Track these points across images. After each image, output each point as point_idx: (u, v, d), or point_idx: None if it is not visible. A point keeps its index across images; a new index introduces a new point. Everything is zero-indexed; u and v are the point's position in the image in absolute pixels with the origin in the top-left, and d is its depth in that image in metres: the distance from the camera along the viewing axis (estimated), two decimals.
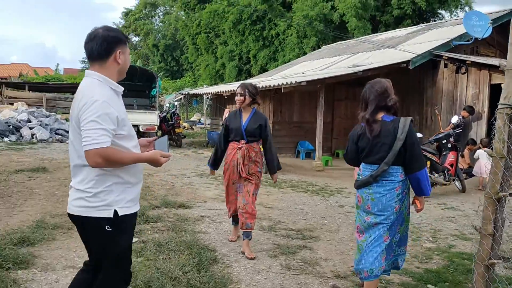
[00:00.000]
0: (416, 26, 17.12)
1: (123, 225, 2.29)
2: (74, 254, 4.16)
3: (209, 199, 7.04)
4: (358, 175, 3.35)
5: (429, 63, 11.30)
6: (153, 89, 15.50)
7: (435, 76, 11.31)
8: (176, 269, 3.71)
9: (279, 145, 12.49)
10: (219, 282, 3.53)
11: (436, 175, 8.06)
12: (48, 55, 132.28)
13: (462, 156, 9.39)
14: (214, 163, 4.81)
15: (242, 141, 4.48)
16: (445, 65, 11.08)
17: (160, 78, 43.82)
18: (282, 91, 10.59)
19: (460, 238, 5.42)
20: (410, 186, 3.29)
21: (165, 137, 2.52)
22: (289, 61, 25.16)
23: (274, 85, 10.70)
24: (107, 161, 2.15)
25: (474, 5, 27.41)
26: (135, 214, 2.40)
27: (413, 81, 11.87)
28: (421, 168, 3.15)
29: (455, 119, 9.27)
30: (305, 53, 25.67)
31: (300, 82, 9.87)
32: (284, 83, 10.34)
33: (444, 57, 10.81)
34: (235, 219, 4.73)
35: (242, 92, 4.49)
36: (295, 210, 6.51)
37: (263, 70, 29.63)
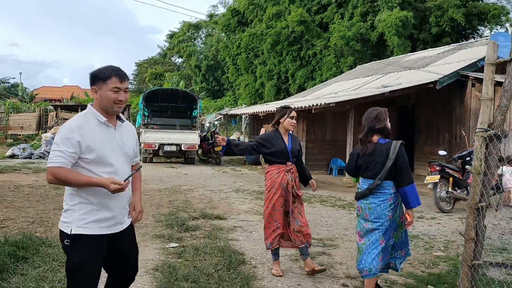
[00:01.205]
0: (448, 46, 17.40)
1: (77, 243, 2.46)
2: None
3: (243, 212, 7.75)
4: (358, 188, 3.98)
5: (457, 83, 11.66)
6: (194, 110, 16.54)
7: (463, 95, 11.65)
8: (209, 267, 4.44)
9: (312, 162, 13.15)
10: (245, 278, 4.22)
11: (459, 191, 8.43)
12: None
13: None
14: (231, 144, 4.65)
15: (289, 163, 4.50)
16: (473, 85, 11.42)
17: (201, 98, 45.48)
18: (313, 112, 11.24)
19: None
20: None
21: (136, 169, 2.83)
22: (326, 80, 25.76)
23: (305, 106, 11.39)
24: (56, 179, 2.44)
25: None
26: (95, 237, 2.50)
27: (443, 100, 12.24)
28: (408, 183, 3.74)
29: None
30: (342, 72, 26.18)
31: (329, 103, 10.52)
32: (315, 104, 11.01)
33: (470, 77, 11.16)
34: (276, 251, 4.56)
35: (295, 116, 4.61)
36: (320, 222, 7.12)
37: (301, 88, 30.30)
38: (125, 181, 2.48)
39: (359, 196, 3.91)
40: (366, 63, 23.93)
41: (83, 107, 21.40)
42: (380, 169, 3.77)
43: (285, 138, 4.56)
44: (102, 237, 2.52)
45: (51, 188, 9.24)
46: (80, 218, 2.48)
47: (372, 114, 3.92)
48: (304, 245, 4.45)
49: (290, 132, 4.65)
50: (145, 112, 16.16)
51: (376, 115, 3.90)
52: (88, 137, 2.48)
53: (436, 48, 18.06)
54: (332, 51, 28.13)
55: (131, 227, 2.79)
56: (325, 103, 10.59)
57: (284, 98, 28.83)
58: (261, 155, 15.16)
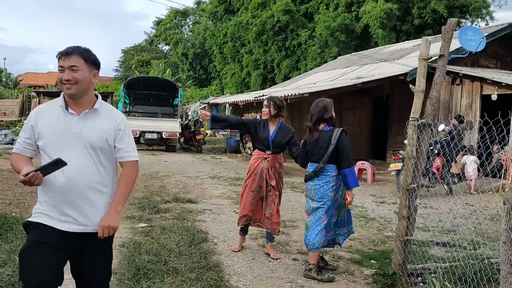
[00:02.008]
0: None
1: (26, 230, 2.43)
2: None
3: (215, 196, 8.12)
4: (307, 171, 4.37)
5: (428, 75, 12.07)
6: (176, 99, 16.81)
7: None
8: (172, 244, 4.81)
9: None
10: (203, 253, 4.60)
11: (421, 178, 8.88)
12: None
13: (455, 161, 10.16)
14: (217, 116, 4.92)
15: (268, 152, 4.63)
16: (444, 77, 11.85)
17: (188, 86, 45.53)
18: (288, 102, 11.59)
19: (421, 230, 6.29)
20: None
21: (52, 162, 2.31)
22: (311, 70, 26.14)
23: (281, 96, 11.73)
24: (11, 165, 2.45)
25: (495, 14, 27.70)
26: (41, 225, 2.36)
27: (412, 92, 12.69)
28: (347, 166, 4.13)
29: (441, 127, 10.07)
30: (326, 62, 26.57)
31: (303, 93, 10.89)
32: (290, 95, 11.36)
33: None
34: (244, 229, 4.85)
35: (267, 104, 4.64)
36: (286, 206, 7.51)
37: (286, 78, 30.62)
38: (27, 175, 2.21)
39: (307, 178, 4.30)
40: (351, 53, 24.31)
41: None
42: (324, 153, 4.15)
43: (272, 128, 4.66)
44: (47, 228, 2.35)
45: None
46: (35, 208, 2.43)
47: (320, 105, 4.30)
48: (270, 230, 4.71)
49: (281, 121, 4.73)
50: (126, 100, 16.38)
51: (324, 106, 4.27)
52: (42, 123, 2.38)
53: (413, 40, 18.48)
54: (317, 41, 28.45)
55: (105, 245, 2.49)
56: (299, 93, 10.97)
57: (270, 87, 29.11)
58: (241, 144, 15.59)
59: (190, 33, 55.97)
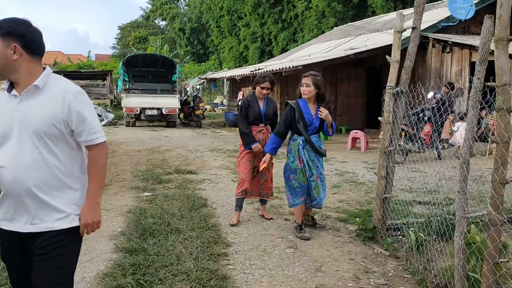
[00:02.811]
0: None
1: None
2: (104, 202, 5.73)
3: (214, 167, 8.55)
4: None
5: (420, 44, 12.34)
6: (174, 75, 17.09)
7: (425, 55, 12.37)
8: (174, 209, 5.26)
9: None
10: (203, 216, 5.05)
11: (410, 144, 9.30)
12: (80, 42, 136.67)
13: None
14: (253, 141, 4.92)
15: (262, 125, 4.97)
16: (433, 45, 12.13)
17: (186, 62, 45.51)
18: (283, 74, 11.91)
19: (407, 191, 6.74)
20: (313, 146, 4.52)
21: None
22: (308, 42, 26.22)
23: (276, 69, 12.04)
24: None
25: None
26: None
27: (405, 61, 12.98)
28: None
29: (430, 94, 10.42)
30: (323, 33, 26.62)
31: (297, 66, 11.19)
32: (285, 67, 11.67)
33: (430, 38, 11.86)
34: (240, 202, 5.02)
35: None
36: (281, 173, 7.94)
37: (284, 51, 30.68)
38: None
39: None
40: (348, 23, 24.35)
41: (66, 73, 21.69)
42: None
43: (261, 102, 4.95)
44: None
45: None
46: None
47: None
48: (263, 195, 5.14)
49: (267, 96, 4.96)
50: (125, 77, 16.68)
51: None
52: None
53: (409, 9, 18.56)
54: (313, 12, 28.40)
55: (50, 247, 2.03)
56: (293, 66, 11.27)
57: (267, 60, 29.23)
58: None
59: (186, 7, 55.51)
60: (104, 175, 2.19)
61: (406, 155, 9.34)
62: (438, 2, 16.27)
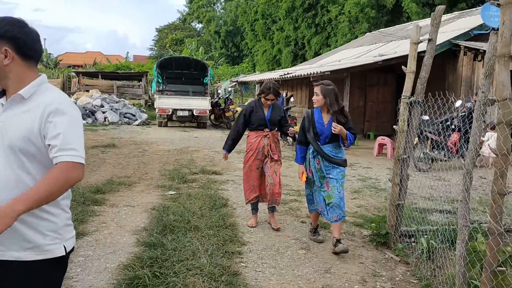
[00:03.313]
0: (451, 14, 17.67)
1: None
2: (131, 199, 6.08)
3: (238, 169, 8.76)
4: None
5: (451, 52, 12.23)
6: (206, 78, 17.49)
7: (456, 63, 12.23)
8: (196, 207, 5.51)
9: None
10: (222, 215, 5.27)
11: (436, 152, 9.26)
12: (120, 43, 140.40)
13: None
14: (230, 148, 5.19)
15: (267, 129, 4.99)
16: (465, 53, 11.98)
17: (220, 64, 46.10)
18: (311, 80, 12.04)
19: (428, 199, 6.76)
20: (324, 156, 4.38)
21: None
22: (340, 46, 26.17)
23: (304, 74, 12.20)
24: None
25: None
26: None
27: (437, 68, 12.83)
28: None
29: (458, 103, 10.30)
30: (356, 38, 26.51)
31: (324, 71, 11.30)
32: (312, 73, 11.80)
33: (461, 46, 11.72)
34: (254, 206, 5.10)
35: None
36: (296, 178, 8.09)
37: (317, 55, 30.69)
38: None
39: None
40: (382, 28, 24.18)
41: (104, 74, 22.55)
42: None
43: (266, 108, 5.02)
44: None
45: None
46: None
47: None
48: (271, 201, 4.96)
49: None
50: (159, 79, 17.19)
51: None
52: None
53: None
54: (345, 18, 28.33)
55: (14, 282, 1.76)
56: (320, 71, 11.38)
57: (299, 64, 29.32)
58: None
59: (222, 10, 56.29)
60: (48, 191, 1.66)
61: (432, 163, 9.31)
62: (471, 9, 16.01)
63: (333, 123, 4.24)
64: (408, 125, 4.55)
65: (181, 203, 5.79)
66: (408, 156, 4.57)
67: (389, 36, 15.88)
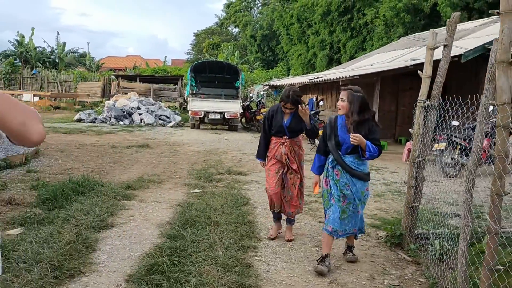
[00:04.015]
0: (487, 18, 17.28)
1: None
2: (159, 195, 6.41)
3: (264, 170, 8.99)
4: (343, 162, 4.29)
5: (486, 57, 12.01)
6: (237, 81, 17.84)
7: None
8: (218, 205, 5.77)
9: None
10: (242, 213, 5.50)
11: (465, 158, 9.17)
12: (159, 47, 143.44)
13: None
14: (265, 155, 4.89)
15: (285, 137, 4.67)
16: None
17: (255, 68, 46.52)
18: (340, 84, 12.12)
19: (452, 204, 6.76)
20: (344, 167, 4.02)
21: None
22: (373, 51, 25.98)
23: (333, 79, 12.29)
24: None
25: None
26: None
27: (471, 73, 12.65)
28: None
29: (490, 108, 10.11)
30: (392, 42, 26.24)
31: (353, 76, 11.37)
32: (342, 77, 11.88)
33: None
34: (275, 214, 4.90)
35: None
36: None
37: (352, 59, 30.58)
38: None
39: None
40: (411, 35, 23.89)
41: (142, 77, 23.34)
42: None
43: (286, 115, 4.67)
44: None
45: (109, 147, 10.98)
46: None
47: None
48: (287, 213, 4.77)
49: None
50: (192, 83, 17.69)
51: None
52: None
53: (476, 20, 17.97)
54: (380, 22, 28.11)
55: None
56: (349, 75, 11.46)
57: (332, 68, 29.26)
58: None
59: (259, 15, 56.81)
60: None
61: (460, 169, 9.22)
62: None
63: (351, 133, 3.84)
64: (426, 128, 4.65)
65: (205, 200, 6.06)
66: (424, 159, 4.67)
67: (423, 40, 15.72)
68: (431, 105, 4.61)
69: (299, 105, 4.44)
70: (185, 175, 8.00)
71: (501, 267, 3.00)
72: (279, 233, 4.89)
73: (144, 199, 6.14)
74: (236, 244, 4.34)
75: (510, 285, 3.13)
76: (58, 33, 63.98)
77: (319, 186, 4.29)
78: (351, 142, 3.81)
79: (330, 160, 4.14)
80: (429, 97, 4.70)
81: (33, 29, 45.82)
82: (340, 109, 4.03)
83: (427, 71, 4.72)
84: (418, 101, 4.71)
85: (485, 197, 7.26)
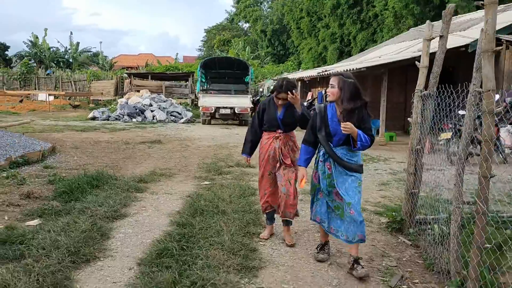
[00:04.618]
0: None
1: None
2: (170, 188, 6.66)
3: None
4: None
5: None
6: (247, 77, 18.05)
7: (498, 58, 12.01)
8: (226, 195, 5.99)
9: None
10: (248, 202, 5.71)
11: (471, 146, 9.24)
12: (171, 44, 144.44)
13: None
14: (251, 151, 4.71)
15: (279, 131, 4.42)
16: (507, 47, 11.76)
17: (266, 63, 46.62)
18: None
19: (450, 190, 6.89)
20: (337, 160, 3.79)
21: None
22: (383, 42, 25.92)
23: (339, 71, 12.38)
24: None
25: None
26: None
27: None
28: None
29: (496, 97, 10.17)
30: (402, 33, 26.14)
31: (360, 68, 11.48)
32: (349, 69, 11.99)
33: (502, 40, 11.52)
34: (269, 215, 4.60)
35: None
36: None
37: (362, 51, 30.54)
38: None
39: None
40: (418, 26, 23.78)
41: (153, 75, 23.70)
42: None
43: (279, 107, 4.43)
44: None
45: (122, 143, 11.29)
46: None
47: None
48: (284, 214, 4.39)
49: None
50: (202, 79, 17.95)
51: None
52: None
53: (479, 11, 17.87)
54: (390, 13, 28.00)
55: None
56: (356, 68, 11.57)
57: (341, 61, 29.26)
58: None
59: (269, 9, 56.80)
60: None
61: (467, 158, 9.29)
62: None
63: (342, 122, 3.60)
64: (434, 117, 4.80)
65: (214, 191, 6.29)
66: (422, 147, 4.82)
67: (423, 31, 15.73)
68: (428, 94, 4.76)
69: (289, 92, 4.18)
70: (195, 169, 8.24)
71: (489, 245, 3.17)
72: (272, 234, 4.63)
73: (155, 191, 6.39)
74: (242, 231, 4.56)
75: (497, 262, 3.29)
76: (71, 33, 65.15)
77: (306, 180, 3.96)
78: (342, 131, 3.58)
79: (321, 153, 3.89)
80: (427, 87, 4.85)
81: (46, 29, 46.61)
82: (329, 95, 3.76)
83: (424, 61, 4.87)
84: (415, 90, 4.87)
85: (501, 187, 7.38)
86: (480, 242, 3.10)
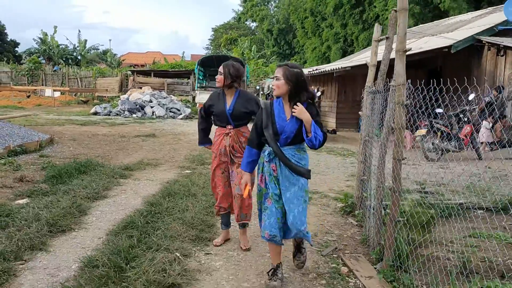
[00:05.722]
0: (484, 10, 17.55)
1: None
2: (152, 175, 7.21)
3: None
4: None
5: (473, 47, 12.47)
6: None
7: (480, 58, 12.43)
8: (200, 181, 6.53)
9: (342, 120, 14.70)
10: None
11: (446, 143, 9.72)
12: (180, 43, 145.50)
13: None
14: (206, 139, 4.42)
15: (229, 126, 4.07)
16: (489, 48, 12.17)
17: (271, 62, 47.08)
18: (334, 75, 12.73)
19: (419, 184, 7.36)
20: (284, 161, 3.36)
21: None
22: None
23: (327, 70, 12.90)
24: None
25: None
26: None
27: (463, 63, 13.08)
28: None
29: (471, 96, 10.60)
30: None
31: (345, 67, 11.96)
32: (335, 68, 12.48)
33: (484, 42, 11.94)
34: (224, 220, 4.30)
35: (221, 71, 4.01)
36: (312, 164, 8.90)
37: None
38: None
39: None
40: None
41: (156, 72, 24.28)
42: None
43: (229, 98, 4.06)
44: None
45: (118, 136, 11.88)
46: None
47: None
48: (239, 216, 4.13)
49: (239, 90, 4.09)
50: (200, 76, 18.53)
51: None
52: None
53: (474, 12, 18.24)
54: (389, 14, 28.33)
55: None
56: (342, 67, 12.06)
57: (339, 60, 29.65)
58: None
59: (275, 9, 57.27)
60: None
61: (442, 154, 9.77)
62: (502, 5, 15.92)
63: (296, 104, 3.29)
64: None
65: (191, 179, 6.83)
66: (371, 138, 5.32)
67: (417, 34, 16.16)
68: (376, 90, 5.25)
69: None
70: (181, 160, 8.80)
71: (401, 219, 3.68)
72: (228, 239, 4.36)
73: (138, 178, 6.95)
74: (206, 210, 5.10)
75: (424, 238, 3.80)
76: (79, 31, 65.86)
77: (249, 186, 3.61)
78: (292, 113, 3.28)
79: (266, 153, 3.43)
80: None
81: (55, 27, 47.71)
82: (275, 89, 3.37)
83: (372, 60, 5.36)
84: (365, 87, 5.36)
85: (465, 180, 7.85)
86: (393, 216, 3.60)
